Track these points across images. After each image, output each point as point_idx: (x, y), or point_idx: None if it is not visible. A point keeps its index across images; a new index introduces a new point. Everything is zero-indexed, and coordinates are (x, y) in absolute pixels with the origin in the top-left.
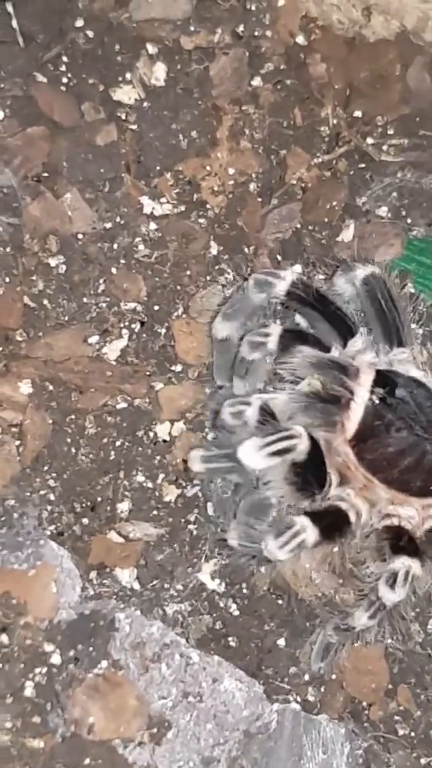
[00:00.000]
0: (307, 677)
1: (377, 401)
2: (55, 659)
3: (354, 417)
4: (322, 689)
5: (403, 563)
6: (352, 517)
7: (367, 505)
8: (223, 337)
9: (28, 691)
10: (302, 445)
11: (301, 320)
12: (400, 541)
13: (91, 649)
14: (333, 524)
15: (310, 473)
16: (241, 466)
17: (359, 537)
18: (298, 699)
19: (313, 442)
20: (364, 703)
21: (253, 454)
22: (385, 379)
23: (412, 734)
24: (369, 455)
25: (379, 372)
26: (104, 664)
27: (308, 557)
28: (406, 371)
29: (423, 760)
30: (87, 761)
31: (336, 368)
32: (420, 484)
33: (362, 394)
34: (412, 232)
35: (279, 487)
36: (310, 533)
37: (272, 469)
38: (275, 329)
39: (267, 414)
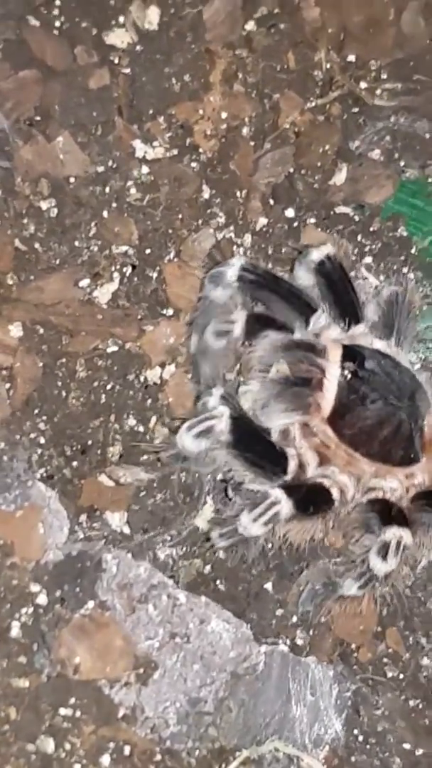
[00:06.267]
0: (295, 619)
1: (349, 376)
2: (42, 599)
3: (328, 395)
4: (311, 632)
5: (394, 534)
6: (335, 494)
7: (353, 480)
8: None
9: (14, 631)
10: (221, 425)
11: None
12: (389, 512)
13: (77, 589)
14: (314, 500)
15: (266, 459)
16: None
17: (343, 513)
18: (287, 642)
19: (251, 428)
20: (353, 646)
21: (184, 436)
22: (352, 354)
23: (401, 676)
24: (348, 431)
25: (345, 347)
26: (91, 604)
27: (288, 531)
28: (370, 344)
29: (411, 702)
30: (72, 701)
31: (303, 348)
32: (401, 453)
33: (334, 371)
34: (405, 174)
35: (242, 474)
36: (285, 505)
37: (231, 460)
38: (240, 315)
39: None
